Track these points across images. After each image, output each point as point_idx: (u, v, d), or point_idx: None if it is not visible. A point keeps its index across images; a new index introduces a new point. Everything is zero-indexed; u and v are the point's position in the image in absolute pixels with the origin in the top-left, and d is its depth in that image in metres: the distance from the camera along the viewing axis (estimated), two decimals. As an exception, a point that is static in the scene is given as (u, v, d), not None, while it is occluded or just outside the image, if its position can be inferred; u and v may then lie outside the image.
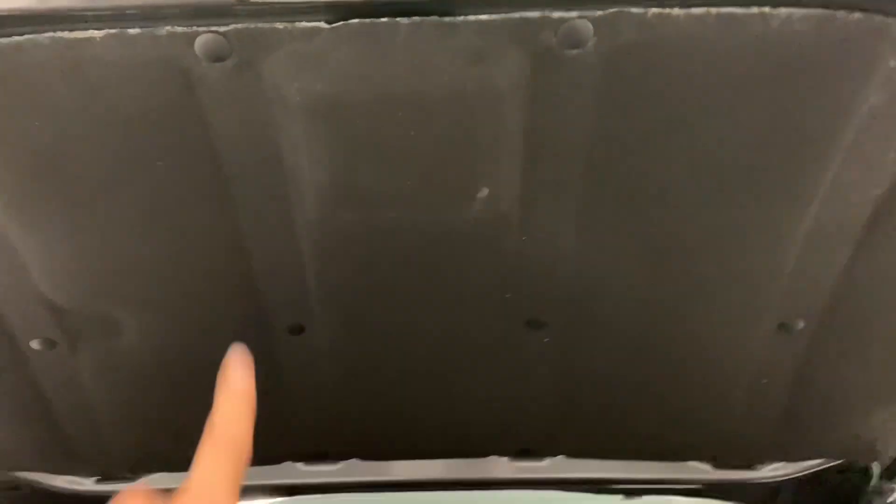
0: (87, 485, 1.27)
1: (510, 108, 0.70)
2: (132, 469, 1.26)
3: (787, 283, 0.90)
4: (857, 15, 0.63)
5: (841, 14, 0.63)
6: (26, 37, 0.63)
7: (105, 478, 1.26)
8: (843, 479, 1.23)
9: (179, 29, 0.63)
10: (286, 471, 1.26)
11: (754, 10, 0.63)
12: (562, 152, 0.76)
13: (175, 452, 1.19)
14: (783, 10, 0.63)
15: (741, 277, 0.90)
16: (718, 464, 1.26)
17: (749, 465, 1.26)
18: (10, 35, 0.63)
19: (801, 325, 0.96)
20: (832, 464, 1.22)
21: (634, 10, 0.63)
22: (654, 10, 0.63)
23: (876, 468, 1.20)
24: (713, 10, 0.63)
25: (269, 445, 1.13)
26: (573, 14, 0.62)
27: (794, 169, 0.77)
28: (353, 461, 1.24)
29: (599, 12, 0.62)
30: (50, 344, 0.97)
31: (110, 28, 0.63)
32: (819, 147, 0.75)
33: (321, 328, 0.97)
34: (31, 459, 1.24)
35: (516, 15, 0.63)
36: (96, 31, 0.63)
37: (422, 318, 0.98)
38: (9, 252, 0.85)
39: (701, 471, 1.27)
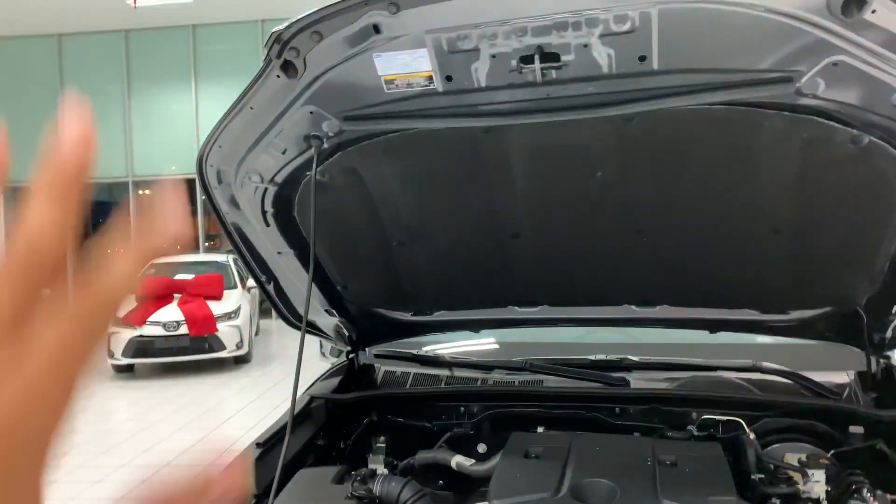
0: (406, 317, 2.39)
1: None
2: (429, 309, 2.35)
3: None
4: None
5: None
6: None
7: (416, 313, 2.37)
8: (845, 319, 1.99)
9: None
10: (508, 311, 2.29)
11: None
12: None
13: (451, 300, 2.30)
14: None
15: None
16: (763, 310, 2.08)
17: (782, 311, 2.06)
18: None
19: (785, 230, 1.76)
20: (834, 308, 1.99)
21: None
22: None
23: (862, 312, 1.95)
24: None
25: (497, 297, 2.19)
26: None
27: None
28: (545, 306, 2.24)
29: None
30: (402, 244, 2.04)
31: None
32: None
33: (529, 235, 1.94)
34: (380, 300, 2.37)
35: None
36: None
37: (583, 232, 1.92)
38: None
39: (753, 314, 2.10)
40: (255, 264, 2.12)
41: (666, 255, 1.91)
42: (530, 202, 1.81)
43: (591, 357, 2.29)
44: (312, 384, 2.44)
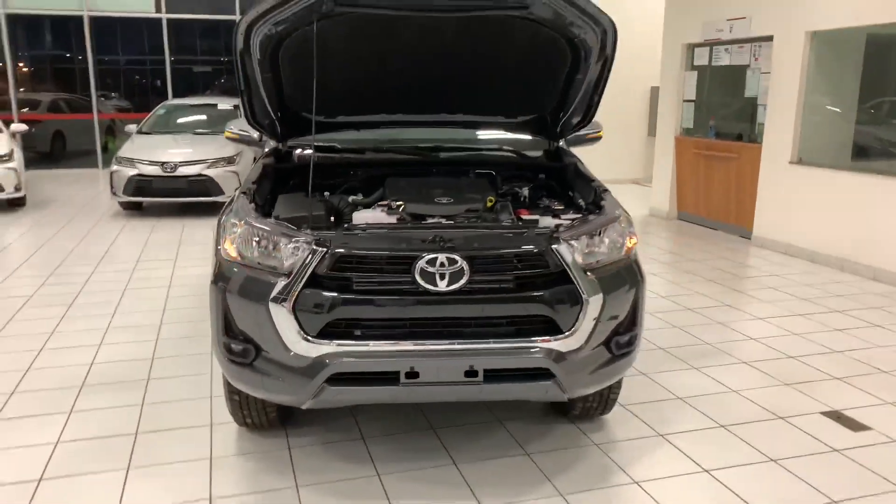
0: (320, 118, 4.14)
1: None
2: (336, 114, 4.13)
3: None
4: None
5: None
6: None
7: (326, 116, 4.13)
8: (542, 121, 4.27)
9: None
10: (379, 116, 4.19)
11: None
12: None
13: (351, 109, 4.20)
14: None
15: None
16: (506, 116, 4.27)
17: (514, 116, 4.27)
18: None
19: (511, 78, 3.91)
20: (538, 115, 4.25)
21: None
22: None
23: (548, 117, 4.23)
24: None
25: (375, 108, 4.15)
26: None
27: None
28: (400, 113, 4.17)
29: None
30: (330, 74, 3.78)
31: None
32: None
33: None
34: (307, 107, 4.07)
35: None
36: None
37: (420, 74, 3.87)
38: None
39: (501, 119, 4.28)
40: (243, 81, 3.67)
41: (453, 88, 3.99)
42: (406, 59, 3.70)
43: (419, 145, 4.32)
44: (259, 157, 4.09)
